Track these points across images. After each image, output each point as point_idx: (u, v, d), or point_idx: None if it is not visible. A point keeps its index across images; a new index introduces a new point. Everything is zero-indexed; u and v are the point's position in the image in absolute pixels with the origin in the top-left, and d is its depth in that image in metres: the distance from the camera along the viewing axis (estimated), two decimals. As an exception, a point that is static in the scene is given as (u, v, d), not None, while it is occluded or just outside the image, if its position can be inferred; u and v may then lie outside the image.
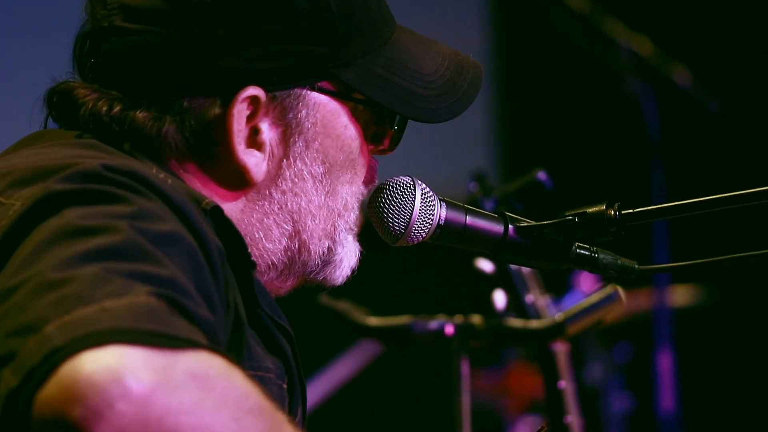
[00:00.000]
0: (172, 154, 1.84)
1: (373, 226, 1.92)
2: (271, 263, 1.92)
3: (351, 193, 1.95)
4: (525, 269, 2.77)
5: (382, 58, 1.93)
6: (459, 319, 2.79)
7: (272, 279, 1.94)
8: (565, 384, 2.74)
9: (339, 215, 1.94)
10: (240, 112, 1.84)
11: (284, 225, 1.91)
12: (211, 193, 1.86)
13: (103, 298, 1.41)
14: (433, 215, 1.89)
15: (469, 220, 1.90)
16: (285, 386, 1.81)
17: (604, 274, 1.93)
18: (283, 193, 1.89)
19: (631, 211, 1.87)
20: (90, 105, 1.83)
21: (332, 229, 1.94)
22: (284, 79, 1.86)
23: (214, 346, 1.45)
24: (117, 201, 1.56)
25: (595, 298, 2.67)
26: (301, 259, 1.93)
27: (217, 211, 1.72)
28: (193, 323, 1.46)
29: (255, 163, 1.86)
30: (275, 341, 1.81)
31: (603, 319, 2.69)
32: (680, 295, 4.97)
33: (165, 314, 1.42)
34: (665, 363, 4.37)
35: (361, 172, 1.96)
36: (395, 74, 1.93)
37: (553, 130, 6.18)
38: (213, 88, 1.84)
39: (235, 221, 1.83)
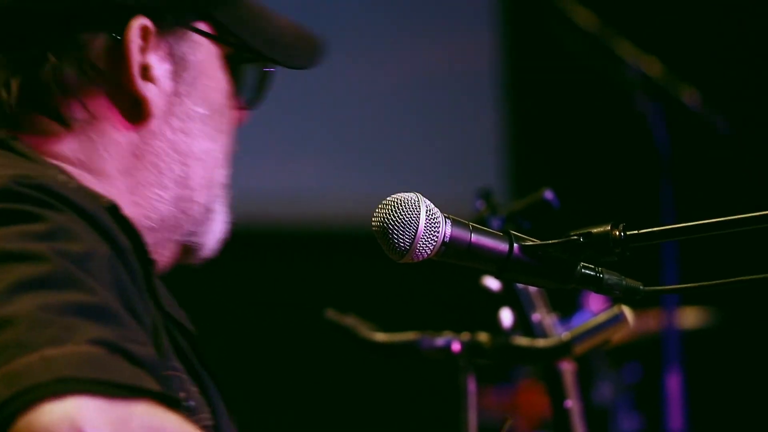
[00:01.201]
0: (70, 96, 1.86)
1: (378, 242, 1.93)
2: (162, 217, 1.91)
3: (227, 144, 1.98)
4: (531, 288, 2.77)
5: (244, 8, 1.96)
6: (466, 336, 2.78)
7: (154, 246, 1.91)
8: (571, 403, 2.74)
9: (220, 166, 1.97)
10: (134, 41, 1.87)
11: (175, 168, 1.91)
12: (108, 125, 1.87)
13: (44, 345, 1.40)
14: (438, 232, 1.89)
15: (474, 238, 1.90)
16: (194, 388, 1.80)
17: (609, 295, 1.93)
18: (174, 132, 1.91)
19: (636, 232, 1.87)
20: None
21: (212, 179, 1.96)
22: (168, 15, 1.89)
23: (164, 392, 1.43)
24: (31, 219, 1.55)
25: (602, 318, 2.67)
26: (190, 213, 1.93)
27: (114, 209, 1.72)
28: (137, 365, 1.45)
29: (153, 94, 1.89)
30: (176, 342, 1.81)
31: (609, 339, 2.68)
32: (689, 317, 4.96)
33: (108, 361, 1.41)
34: (674, 384, 4.36)
35: (232, 126, 1.99)
36: (259, 22, 1.97)
37: (562, 149, 6.18)
38: (107, 22, 1.86)
39: (129, 167, 1.85)
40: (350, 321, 2.88)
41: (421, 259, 1.91)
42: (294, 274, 5.95)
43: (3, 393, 1.36)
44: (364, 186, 5.55)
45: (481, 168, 6.13)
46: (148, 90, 1.89)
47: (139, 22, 1.86)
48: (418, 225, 1.88)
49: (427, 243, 1.89)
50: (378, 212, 1.90)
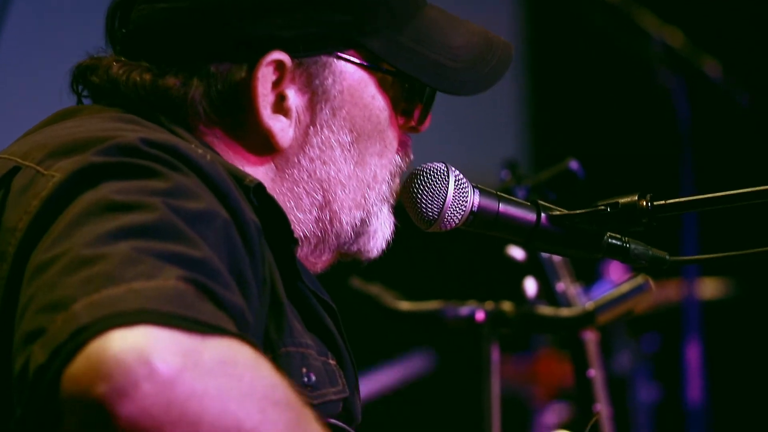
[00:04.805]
0: (200, 120, 1.87)
1: (407, 211, 1.94)
2: (304, 236, 1.93)
3: (381, 165, 1.96)
4: (556, 257, 2.79)
5: (409, 29, 1.94)
6: (490, 305, 2.80)
7: (307, 255, 1.95)
8: (594, 372, 2.76)
9: (369, 187, 1.95)
10: (265, 75, 1.86)
11: (314, 194, 1.92)
12: (240, 159, 1.88)
13: (133, 278, 1.42)
14: (467, 202, 1.91)
15: (502, 207, 1.92)
16: (332, 362, 1.81)
17: (635, 265, 1.94)
18: (311, 160, 1.91)
19: (663, 202, 1.88)
20: (122, 77, 1.86)
21: (362, 200, 1.95)
22: (310, 46, 1.88)
23: (242, 334, 1.44)
24: (153, 176, 1.57)
25: (626, 288, 2.68)
26: (334, 230, 1.94)
27: (261, 188, 1.74)
28: (221, 309, 1.46)
29: (281, 128, 1.88)
30: (317, 317, 1.82)
31: (633, 309, 2.69)
32: (709, 288, 4.96)
33: (193, 299, 1.43)
34: (693, 354, 4.37)
35: (391, 146, 1.97)
36: (422, 46, 1.94)
37: (584, 121, 6.18)
38: (239, 54, 1.86)
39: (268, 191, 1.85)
40: (375, 289, 2.90)
41: (449, 228, 1.92)
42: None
43: (83, 319, 1.37)
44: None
45: (502, 140, 6.13)
46: (276, 123, 1.88)
47: (271, 57, 1.85)
48: (446, 194, 1.90)
49: (455, 212, 1.90)
50: (407, 181, 1.93)
